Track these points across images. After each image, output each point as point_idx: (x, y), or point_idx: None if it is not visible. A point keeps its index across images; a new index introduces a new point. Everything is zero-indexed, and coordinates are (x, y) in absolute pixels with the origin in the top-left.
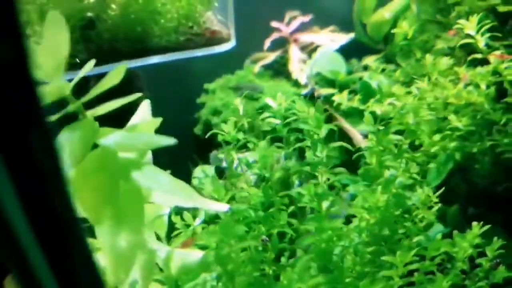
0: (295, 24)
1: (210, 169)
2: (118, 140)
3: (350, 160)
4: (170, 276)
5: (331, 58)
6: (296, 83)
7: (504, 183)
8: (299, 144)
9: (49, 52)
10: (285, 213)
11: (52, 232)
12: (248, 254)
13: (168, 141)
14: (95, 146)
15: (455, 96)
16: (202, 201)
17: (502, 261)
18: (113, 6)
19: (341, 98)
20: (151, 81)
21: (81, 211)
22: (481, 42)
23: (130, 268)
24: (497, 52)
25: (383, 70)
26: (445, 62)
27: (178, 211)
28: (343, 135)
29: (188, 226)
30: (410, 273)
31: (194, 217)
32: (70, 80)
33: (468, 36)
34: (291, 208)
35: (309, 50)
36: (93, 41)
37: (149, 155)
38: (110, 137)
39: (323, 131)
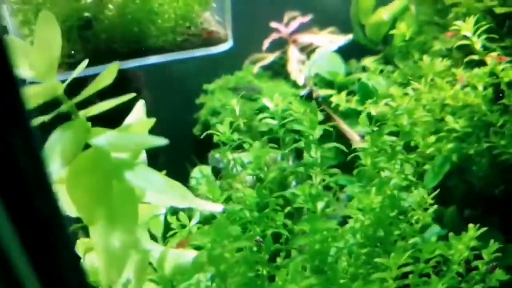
0: (294, 25)
1: (207, 170)
2: (111, 140)
3: (348, 161)
4: (164, 276)
5: (330, 59)
6: (295, 84)
7: (502, 185)
8: (295, 145)
9: (42, 52)
10: (280, 213)
11: (36, 234)
12: (242, 254)
13: (160, 141)
14: (89, 146)
15: (452, 98)
16: (196, 201)
17: (498, 264)
18: (110, 6)
19: (339, 99)
20: (150, 81)
21: (75, 211)
22: (478, 43)
23: (123, 268)
24: (494, 54)
25: (381, 71)
26: (443, 63)
27: (174, 211)
28: (341, 136)
29: (183, 226)
30: (406, 275)
31: (190, 218)
32: (66, 80)
33: (465, 37)
34: (288, 208)
35: (308, 51)
36: (90, 41)
37: (143, 156)
38: (103, 137)
39: (318, 132)
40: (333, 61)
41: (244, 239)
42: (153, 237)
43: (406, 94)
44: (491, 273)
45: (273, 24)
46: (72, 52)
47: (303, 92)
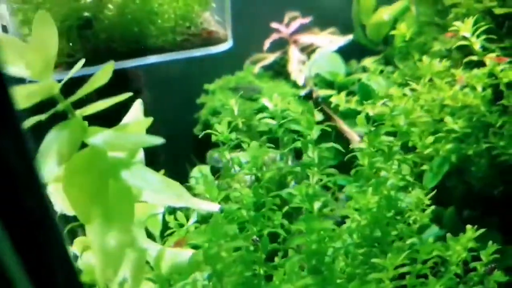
0: (294, 25)
1: (207, 169)
2: (107, 139)
3: (347, 162)
4: (161, 274)
5: (330, 59)
6: (295, 84)
7: (501, 186)
8: (293, 145)
9: (38, 51)
10: (278, 213)
11: (27, 234)
12: (239, 254)
13: (157, 140)
14: (85, 145)
15: (451, 98)
16: (193, 200)
17: (497, 265)
18: (110, 6)
19: (339, 99)
20: (150, 81)
21: (71, 209)
22: (477, 44)
23: (119, 266)
24: (493, 55)
25: (381, 71)
26: (442, 64)
27: (172, 210)
28: (341, 137)
29: (181, 225)
30: (403, 276)
31: (188, 217)
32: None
33: (464, 38)
34: (286, 208)
35: (309, 51)
36: (90, 40)
37: (140, 155)
38: (99, 136)
39: (315, 132)
40: (333, 61)
41: (240, 238)
42: (151, 236)
43: (405, 94)
44: (489, 274)
45: (274, 25)
46: (72, 51)
47: (303, 92)
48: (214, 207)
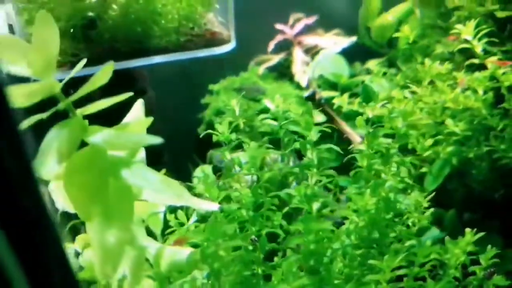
0: (299, 26)
1: (209, 169)
2: (107, 138)
3: (349, 163)
4: (160, 272)
5: (334, 61)
6: (299, 86)
7: (501, 189)
8: (293, 146)
9: (39, 50)
10: (277, 213)
11: (23, 234)
12: (237, 253)
13: (156, 140)
14: (87, 144)
15: (453, 101)
16: (193, 200)
17: (497, 269)
18: (114, 6)
19: (342, 101)
20: (155, 81)
21: (72, 207)
22: (479, 47)
23: (118, 263)
24: (494, 58)
25: (384, 73)
26: (444, 66)
27: (174, 209)
28: (343, 138)
29: (181, 224)
30: (401, 278)
31: (189, 216)
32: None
33: (466, 41)
34: (286, 209)
35: (313, 52)
36: (94, 40)
37: (141, 154)
38: (100, 135)
39: (314, 133)
40: (337, 63)
41: (239, 238)
42: (153, 235)
43: (406, 97)
44: (488, 279)
45: (278, 26)
46: (76, 51)
47: (306, 93)
48: (214, 206)
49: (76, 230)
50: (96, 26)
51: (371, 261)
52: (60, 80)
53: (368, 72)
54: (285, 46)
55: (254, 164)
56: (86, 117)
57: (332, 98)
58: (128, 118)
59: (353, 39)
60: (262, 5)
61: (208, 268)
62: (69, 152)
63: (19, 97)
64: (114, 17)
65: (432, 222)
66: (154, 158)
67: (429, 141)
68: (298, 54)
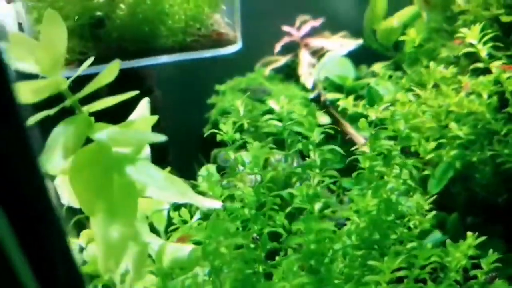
0: (306, 28)
1: (214, 168)
2: (112, 135)
3: (353, 165)
4: (162, 268)
5: (340, 63)
6: (305, 87)
7: (505, 194)
8: (297, 147)
9: (47, 48)
10: (279, 213)
11: (29, 228)
12: (238, 251)
13: (160, 138)
14: (92, 140)
15: (457, 105)
16: (196, 197)
17: (499, 274)
18: (122, 6)
19: (347, 103)
20: (162, 80)
21: (77, 202)
22: (483, 51)
23: (121, 258)
24: (499, 62)
25: (390, 76)
26: (448, 70)
27: (178, 207)
28: (348, 140)
29: (185, 222)
30: (402, 279)
31: (193, 214)
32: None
33: (471, 45)
34: (289, 208)
35: (320, 55)
36: (102, 39)
37: (146, 151)
38: (105, 132)
39: (316, 134)
40: (343, 65)
41: (240, 236)
42: (156, 232)
43: (411, 100)
44: (490, 283)
45: (285, 28)
46: (84, 49)
47: (312, 95)
48: (216, 204)
49: (81, 225)
50: (104, 25)
51: (370, 262)
52: (68, 78)
53: (374, 74)
54: (292, 48)
55: (257, 164)
56: (92, 114)
57: (337, 100)
58: (133, 116)
59: (359, 41)
60: (269, 7)
61: (209, 265)
62: (75, 148)
63: (26, 93)
64: (122, 17)
65: (434, 226)
66: (160, 157)
67: (432, 144)
68: (304, 56)
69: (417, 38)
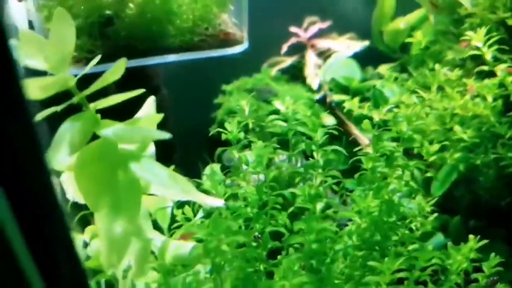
0: (313, 30)
1: (218, 167)
2: (118, 132)
3: (357, 166)
4: (164, 264)
5: (346, 64)
6: (311, 88)
7: (508, 197)
8: (300, 147)
9: (56, 46)
10: (281, 212)
11: (35, 225)
12: (240, 249)
13: (164, 135)
14: (98, 137)
15: (462, 108)
16: (199, 195)
17: (501, 277)
18: (131, 5)
19: (352, 105)
20: (170, 79)
21: (82, 197)
22: (489, 54)
23: (123, 253)
24: (504, 65)
25: (395, 78)
26: (454, 73)
27: (181, 204)
28: (353, 141)
29: (188, 219)
30: (403, 281)
31: (196, 212)
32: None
33: (477, 48)
34: (291, 208)
35: (326, 56)
36: (110, 38)
37: (151, 149)
38: (111, 129)
39: (320, 135)
40: (349, 66)
41: (242, 234)
42: (160, 229)
43: (415, 102)
44: (491, 287)
45: (292, 29)
46: (93, 47)
47: (317, 96)
48: (219, 202)
49: (86, 221)
50: (113, 24)
51: (371, 263)
52: (75, 75)
53: (380, 76)
54: (299, 48)
55: (260, 163)
56: (99, 112)
57: (343, 101)
58: (139, 114)
59: (366, 43)
60: (276, 7)
61: (210, 263)
62: (81, 144)
63: (35, 89)
64: (131, 16)
65: (437, 228)
66: (166, 155)
67: (435, 147)
68: (310, 57)
69: (423, 41)
